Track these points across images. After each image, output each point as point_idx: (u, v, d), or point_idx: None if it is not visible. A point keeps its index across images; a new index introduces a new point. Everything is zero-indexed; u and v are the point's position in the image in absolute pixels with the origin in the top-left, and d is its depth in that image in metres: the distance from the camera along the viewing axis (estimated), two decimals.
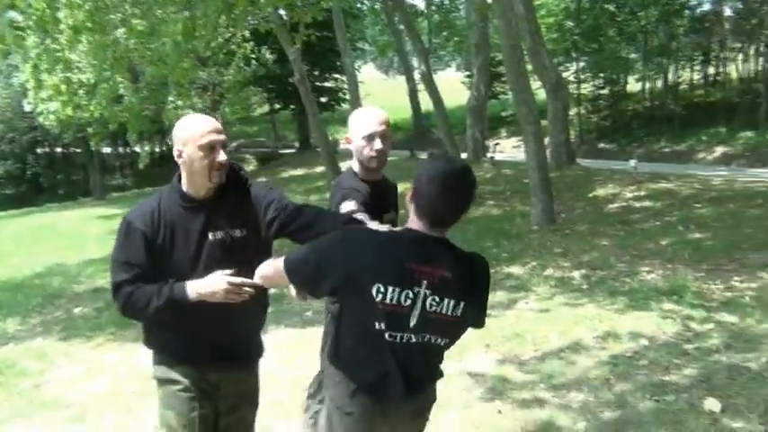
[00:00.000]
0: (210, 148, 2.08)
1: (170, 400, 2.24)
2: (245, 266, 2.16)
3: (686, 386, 3.76)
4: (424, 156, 23.74)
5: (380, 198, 2.55)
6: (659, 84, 26.10)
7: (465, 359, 4.30)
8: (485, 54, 19.46)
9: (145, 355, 5.09)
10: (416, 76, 33.26)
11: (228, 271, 2.10)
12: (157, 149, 38.38)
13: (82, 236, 14.61)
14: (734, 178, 12.59)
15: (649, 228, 8.77)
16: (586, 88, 28.03)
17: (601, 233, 8.79)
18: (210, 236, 2.17)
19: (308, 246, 1.97)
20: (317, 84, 30.29)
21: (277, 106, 32.47)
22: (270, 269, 2.02)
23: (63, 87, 15.69)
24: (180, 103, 16.94)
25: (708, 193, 10.60)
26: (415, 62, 34.15)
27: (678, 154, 19.97)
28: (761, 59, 21.97)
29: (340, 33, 23.74)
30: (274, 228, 2.23)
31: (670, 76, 24.80)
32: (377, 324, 1.80)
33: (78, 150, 33.14)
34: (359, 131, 2.49)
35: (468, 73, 33.93)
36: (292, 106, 32.72)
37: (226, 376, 2.29)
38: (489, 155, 19.47)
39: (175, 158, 2.13)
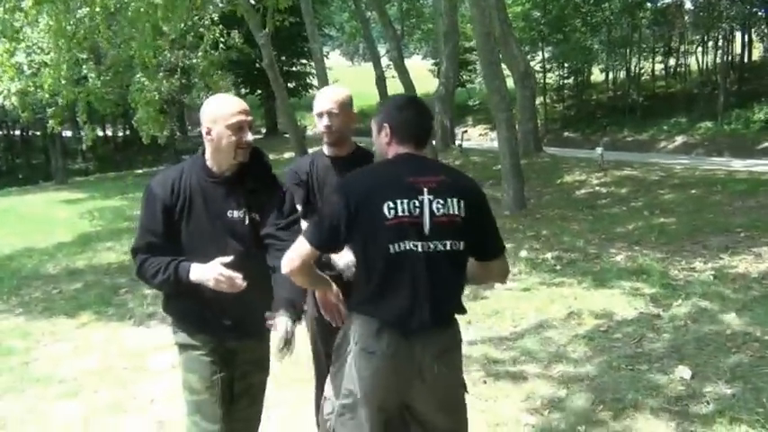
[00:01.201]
0: (239, 128, 2.20)
1: (192, 364, 2.36)
2: (255, 250, 2.30)
3: (658, 356, 4.01)
4: None
5: (347, 170, 2.55)
6: (622, 74, 26.65)
7: None
8: (453, 42, 19.60)
9: (133, 333, 5.22)
10: (384, 62, 33.36)
11: (227, 259, 2.18)
12: (121, 133, 37.73)
13: (48, 220, 14.35)
14: (695, 166, 13.04)
15: (616, 213, 9.09)
16: (551, 78, 28.49)
17: (570, 218, 9.09)
18: (229, 213, 2.28)
19: (319, 214, 2.15)
20: (285, 69, 30.10)
21: (244, 91, 32.12)
22: (292, 258, 2.06)
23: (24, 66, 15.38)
24: (147, 84, 16.71)
25: (671, 180, 11.00)
26: (381, 49, 34.18)
27: (640, 143, 20.51)
28: (719, 52, 22.62)
29: (308, 18, 23.61)
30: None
31: (632, 67, 25.33)
32: (392, 247, 1.96)
33: (38, 133, 32.37)
34: (314, 108, 2.67)
35: (435, 61, 34.11)
36: (259, 91, 32.49)
37: (242, 344, 2.41)
38: (457, 142, 19.70)
39: (204, 135, 2.24)
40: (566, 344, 4.34)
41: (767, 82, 21.31)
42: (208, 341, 2.36)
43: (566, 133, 24.70)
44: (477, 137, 27.35)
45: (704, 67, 23.61)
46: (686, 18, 24.79)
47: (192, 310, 2.35)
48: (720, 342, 4.12)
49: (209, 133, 2.23)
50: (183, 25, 16.26)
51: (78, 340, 5.22)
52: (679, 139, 19.76)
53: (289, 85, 29.79)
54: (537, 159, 15.27)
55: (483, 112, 29.19)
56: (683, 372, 3.72)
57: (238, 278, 2.17)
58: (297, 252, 2.05)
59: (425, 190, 2.00)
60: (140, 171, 28.71)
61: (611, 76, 27.16)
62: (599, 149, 13.59)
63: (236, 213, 2.29)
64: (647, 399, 3.45)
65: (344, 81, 36.25)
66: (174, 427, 3.57)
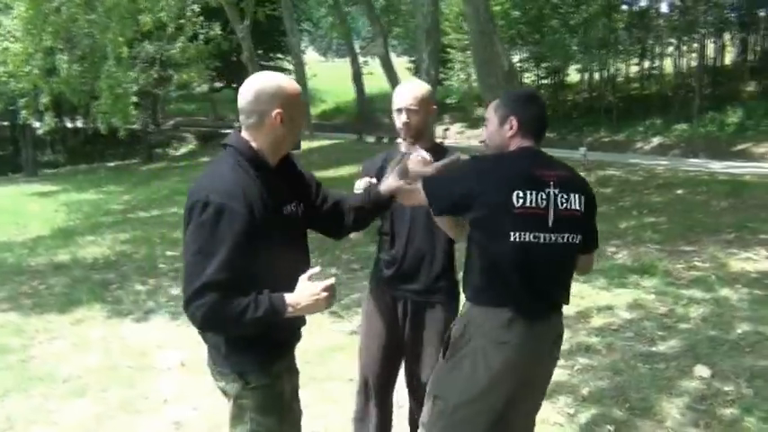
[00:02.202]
0: (303, 113, 2.09)
1: (271, 403, 2.01)
2: (304, 246, 2.11)
3: (674, 355, 4.03)
4: (371, 139, 23.81)
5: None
6: (597, 76, 26.98)
7: None
8: (435, 39, 19.58)
9: (133, 330, 5.08)
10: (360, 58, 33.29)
11: (314, 270, 1.89)
12: (92, 125, 36.96)
13: (21, 213, 13.98)
14: (675, 167, 13.25)
15: (605, 212, 9.15)
16: (529, 78, 28.71)
17: None
18: (284, 210, 1.98)
19: (445, 177, 2.16)
20: (263, 63, 29.82)
21: (219, 84, 31.75)
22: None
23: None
24: (118, 75, 16.39)
25: (655, 181, 11.14)
26: (356, 45, 34.12)
27: (617, 143, 20.79)
28: (694, 55, 23.03)
29: (287, 12, 23.45)
30: (316, 211, 2.16)
31: (609, 69, 25.66)
32: (513, 234, 1.99)
33: (5, 123, 31.55)
34: (394, 104, 2.59)
35: (413, 58, 34.11)
36: (234, 85, 32.11)
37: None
38: (438, 140, 19.70)
39: (270, 119, 1.90)
40: (579, 343, 4.34)
41: (739, 86, 21.75)
42: (284, 366, 2.06)
43: None
44: (454, 135, 27.43)
45: (679, 70, 23.99)
46: (661, 22, 25.19)
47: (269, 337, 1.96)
48: (733, 342, 4.16)
49: (280, 118, 1.91)
50: (163, 16, 15.99)
51: (75, 337, 5.06)
52: (655, 141, 20.07)
53: None
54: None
55: (460, 110, 29.33)
56: (702, 371, 3.75)
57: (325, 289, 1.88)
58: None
59: (551, 183, 2.04)
60: (112, 164, 28.22)
61: (587, 77, 27.46)
62: (582, 149, 13.71)
63: (290, 207, 2.00)
64: (672, 398, 3.46)
65: (320, 76, 36.14)
66: (191, 428, 3.48)
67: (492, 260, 2.06)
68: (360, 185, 2.43)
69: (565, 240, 2.06)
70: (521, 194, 1.99)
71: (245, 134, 1.95)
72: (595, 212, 2.18)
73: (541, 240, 2.02)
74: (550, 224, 2.03)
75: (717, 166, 13.99)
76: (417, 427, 2.78)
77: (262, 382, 1.95)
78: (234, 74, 29.14)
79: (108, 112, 16.12)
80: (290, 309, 1.83)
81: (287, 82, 1.96)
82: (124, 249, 8.46)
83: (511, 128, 2.14)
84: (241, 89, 1.93)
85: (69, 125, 33.63)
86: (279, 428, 2.02)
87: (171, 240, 8.80)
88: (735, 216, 7.92)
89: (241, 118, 1.94)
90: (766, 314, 4.57)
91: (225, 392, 2.02)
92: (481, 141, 2.28)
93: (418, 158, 2.38)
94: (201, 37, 18.84)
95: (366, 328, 2.80)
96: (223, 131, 32.59)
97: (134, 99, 17.41)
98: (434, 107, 2.64)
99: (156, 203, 13.74)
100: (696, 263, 6.04)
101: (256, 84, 1.92)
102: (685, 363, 3.91)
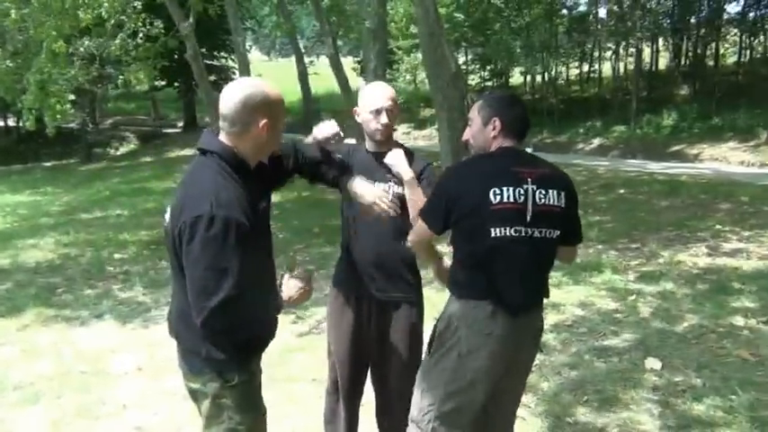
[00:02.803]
0: (284, 119, 2.05)
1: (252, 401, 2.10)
2: (270, 237, 2.15)
3: (626, 349, 4.19)
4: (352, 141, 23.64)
5: (386, 167, 2.58)
6: (540, 78, 27.59)
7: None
8: (382, 40, 19.67)
9: (84, 335, 4.94)
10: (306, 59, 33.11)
11: (297, 271, 2.10)
12: (20, 123, 35.48)
13: None
14: (615, 168, 13.69)
15: None
16: (474, 79, 29.11)
17: None
18: (260, 207, 2.00)
19: (431, 197, 2.30)
20: (206, 62, 29.28)
21: (161, 83, 30.95)
22: (415, 240, 2.38)
23: None
24: (51, 70, 15.81)
25: (598, 181, 11.51)
26: (300, 45, 33.88)
27: (559, 144, 21.28)
28: (631, 59, 23.81)
29: (231, 10, 23.06)
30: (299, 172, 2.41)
31: (551, 72, 26.27)
32: (494, 231, 2.09)
33: None
34: (367, 105, 2.56)
35: (358, 58, 34.10)
36: (177, 84, 31.43)
37: None
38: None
39: (261, 129, 1.91)
40: None
41: (673, 90, 22.61)
42: (257, 363, 2.20)
43: None
44: (400, 135, 27.58)
45: (617, 73, 24.77)
46: (599, 26, 25.96)
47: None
48: (680, 335, 4.35)
49: (267, 127, 1.92)
50: (103, 12, 15.50)
51: (23, 343, 4.89)
52: (595, 142, 20.63)
53: (210, 78, 28.99)
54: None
55: (406, 111, 29.49)
56: (654, 363, 3.91)
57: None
58: (419, 234, 2.31)
59: (529, 180, 2.12)
60: (49, 164, 27.20)
61: (529, 79, 28.04)
62: (529, 149, 13.96)
63: (263, 203, 2.02)
64: (627, 390, 3.60)
65: (264, 76, 35.72)
66: None
67: (474, 256, 2.16)
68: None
69: (543, 235, 2.15)
70: (497, 191, 2.09)
71: (225, 139, 1.94)
72: (577, 207, 2.28)
73: (522, 234, 2.11)
74: (528, 219, 2.12)
75: (654, 166, 14.51)
76: (384, 425, 2.82)
77: (241, 379, 1.97)
78: (175, 73, 28.49)
79: (35, 108, 15.49)
80: (285, 305, 2.03)
81: (272, 90, 1.96)
82: (68, 252, 8.19)
83: (494, 128, 2.23)
84: (224, 95, 1.92)
85: (1, 123, 32.29)
86: (255, 425, 2.06)
87: (118, 243, 8.58)
88: (674, 215, 8.27)
89: (223, 124, 1.93)
90: (709, 308, 4.79)
91: (197, 393, 2.01)
92: (464, 140, 2.36)
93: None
94: (141, 34, 18.35)
95: (333, 329, 2.79)
96: (165, 131, 31.97)
97: (71, 97, 16.81)
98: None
99: (99, 205, 13.34)
100: (641, 260, 6.28)
101: (243, 92, 1.90)
102: (637, 356, 4.07)
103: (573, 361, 4.05)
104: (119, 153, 28.96)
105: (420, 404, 2.24)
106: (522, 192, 2.11)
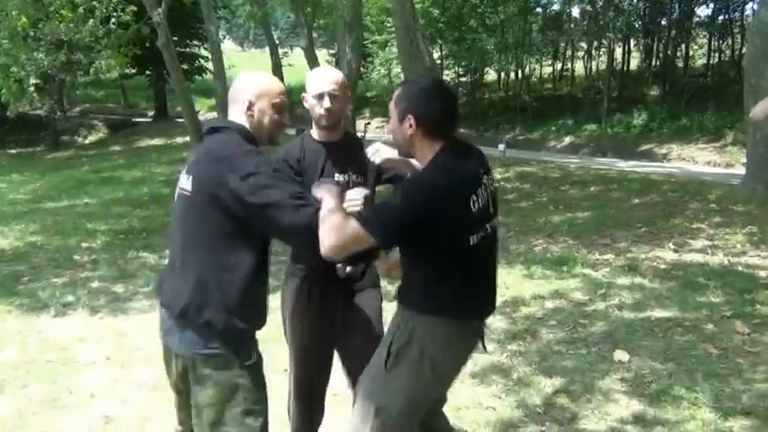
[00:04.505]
0: (281, 109, 2.13)
1: (262, 378, 2.13)
2: None
3: (594, 341, 4.25)
4: (292, 132, 23.51)
5: (338, 156, 2.54)
6: (513, 75, 27.79)
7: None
8: (357, 32, 19.60)
9: (51, 324, 4.86)
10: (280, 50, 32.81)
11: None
12: None
13: None
14: (587, 166, 13.86)
15: (524, 207, 9.51)
16: (448, 75, 29.20)
17: None
18: None
19: (383, 205, 2.01)
20: (178, 50, 28.87)
21: (131, 71, 30.44)
22: (344, 240, 1.86)
23: None
24: (13, 51, 15.42)
25: (570, 178, 11.63)
26: (275, 36, 33.57)
27: (531, 141, 21.51)
28: (603, 59, 24.13)
29: None
30: None
31: (524, 70, 26.48)
32: (472, 238, 1.98)
33: None
34: (311, 90, 2.50)
35: (333, 51, 33.95)
36: (148, 72, 30.94)
37: None
38: (360, 134, 19.73)
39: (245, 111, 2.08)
40: (506, 330, 4.50)
41: (644, 90, 22.97)
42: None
43: (461, 130, 25.42)
44: (374, 129, 27.53)
45: (589, 72, 25.06)
46: (573, 26, 26.24)
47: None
48: (648, 328, 4.43)
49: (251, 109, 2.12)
50: None
51: None
52: (567, 140, 20.88)
53: (182, 67, 28.57)
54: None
55: (380, 104, 29.47)
56: (622, 355, 3.98)
57: None
58: (352, 238, 1.86)
59: (481, 171, 2.05)
60: (14, 151, 26.62)
61: (503, 76, 28.22)
62: (501, 146, 14.11)
63: None
64: (596, 380, 3.66)
65: (237, 67, 35.32)
66: (121, 422, 3.38)
67: (446, 269, 2.00)
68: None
69: (496, 222, 2.12)
70: (474, 198, 1.96)
71: (236, 119, 2.08)
72: None
73: (488, 233, 2.04)
74: (491, 212, 2.06)
75: (624, 165, 14.73)
76: None
77: (253, 359, 1.99)
78: (146, 61, 28.03)
79: None
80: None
81: (272, 78, 2.17)
82: (34, 241, 8.04)
83: (410, 126, 2.00)
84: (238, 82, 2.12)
85: None
86: (266, 402, 2.07)
87: (86, 231, 8.44)
88: (644, 212, 8.40)
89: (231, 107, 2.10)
90: (675, 302, 4.88)
91: (202, 378, 1.94)
92: (388, 133, 2.17)
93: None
94: (114, 20, 18.01)
95: (294, 325, 2.65)
96: (135, 120, 31.47)
97: (34, 81, 16.43)
98: (349, 94, 2.59)
99: (66, 193, 13.11)
100: (611, 255, 6.37)
101: (247, 76, 2.12)
102: (605, 348, 4.13)
103: (543, 352, 4.10)
104: (87, 141, 28.45)
105: (372, 423, 2.06)
106: (484, 189, 2.01)
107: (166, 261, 2.16)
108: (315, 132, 2.60)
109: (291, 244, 2.33)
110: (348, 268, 2.39)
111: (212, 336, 1.90)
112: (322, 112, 2.47)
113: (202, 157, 1.98)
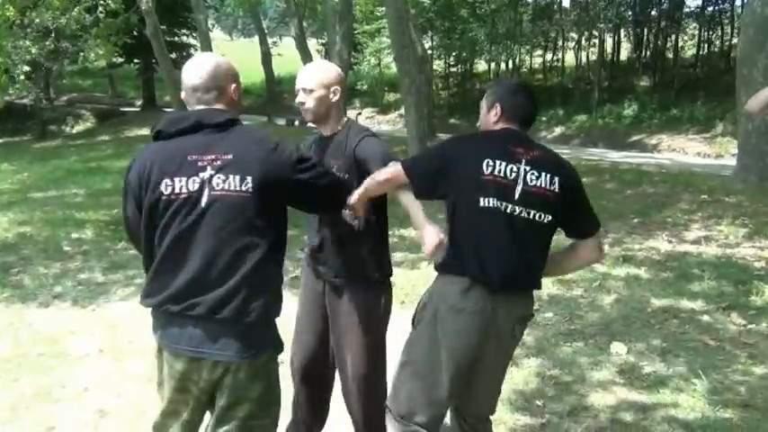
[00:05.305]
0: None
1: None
2: None
3: (591, 333, 4.25)
4: (282, 122, 23.42)
5: (325, 151, 2.50)
6: (504, 66, 27.75)
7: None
8: (348, 22, 19.51)
9: (42, 316, 4.79)
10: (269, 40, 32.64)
11: None
12: None
13: None
14: (578, 156, 13.84)
15: None
16: (438, 65, 29.11)
17: None
18: None
19: (424, 152, 2.31)
20: (167, 39, 28.58)
21: (120, 60, 30.12)
22: (383, 175, 2.27)
23: None
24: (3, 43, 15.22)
25: None
26: (264, 25, 33.36)
27: None
28: (593, 49, 24.13)
29: None
30: None
31: (515, 60, 26.45)
32: (482, 200, 2.11)
33: None
34: (297, 83, 2.47)
35: (323, 41, 33.76)
36: (136, 61, 30.62)
37: None
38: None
39: (233, 92, 2.04)
40: None
41: (634, 80, 23.01)
42: None
43: (452, 120, 25.37)
44: (364, 120, 27.44)
45: (580, 63, 25.06)
46: (563, 16, 26.20)
47: None
48: (644, 320, 4.43)
49: (237, 90, 2.08)
50: None
51: None
52: (557, 130, 20.89)
53: (171, 56, 28.31)
54: (432, 144, 15.60)
55: (370, 95, 29.38)
56: (619, 347, 3.97)
57: None
58: (393, 180, 2.26)
59: (524, 159, 2.14)
60: (1, 141, 26.28)
61: (494, 66, 28.16)
62: None
63: None
64: (593, 372, 3.65)
65: (227, 56, 35.03)
66: (116, 416, 3.33)
67: (461, 228, 2.16)
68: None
69: (530, 217, 2.12)
70: (490, 162, 2.13)
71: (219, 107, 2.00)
72: (579, 194, 2.24)
73: (507, 210, 2.11)
74: (517, 197, 2.12)
75: (615, 155, 14.75)
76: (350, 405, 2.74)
77: (279, 351, 2.04)
78: (135, 50, 27.75)
79: None
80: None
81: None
82: (23, 231, 7.92)
83: (496, 114, 2.28)
84: (192, 69, 1.99)
85: None
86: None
87: (75, 222, 8.33)
88: (637, 203, 8.41)
89: (198, 96, 1.98)
90: (671, 293, 4.89)
91: (253, 377, 1.91)
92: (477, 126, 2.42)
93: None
94: (100, 8, 17.79)
95: (298, 312, 2.75)
96: (123, 110, 31.16)
97: (25, 69, 16.24)
98: (338, 90, 2.45)
99: (54, 183, 12.95)
100: (605, 246, 6.34)
101: (210, 61, 2.01)
102: (602, 340, 4.13)
103: (540, 345, 4.09)
104: (74, 131, 28.14)
105: (398, 375, 2.26)
106: (514, 169, 2.13)
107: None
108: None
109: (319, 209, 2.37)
110: (356, 220, 2.40)
111: (259, 330, 1.92)
112: (300, 106, 2.47)
113: (243, 153, 1.90)
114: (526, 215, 2.12)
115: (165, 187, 1.85)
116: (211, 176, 1.84)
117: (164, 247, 1.87)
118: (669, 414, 3.17)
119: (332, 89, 2.44)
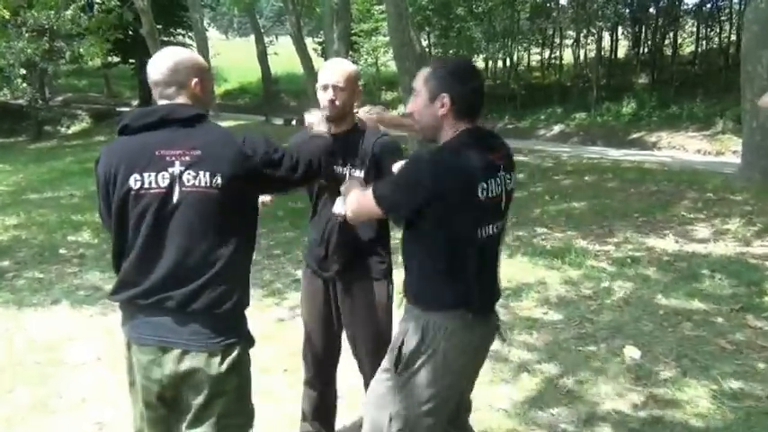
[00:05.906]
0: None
1: None
2: None
3: (604, 337, 4.14)
4: (279, 121, 23.24)
5: (340, 149, 2.47)
6: (501, 64, 27.63)
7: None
8: (345, 21, 19.39)
9: (38, 322, 4.67)
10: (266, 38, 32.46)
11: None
12: None
13: None
14: (579, 154, 13.77)
15: (519, 197, 9.34)
16: None
17: None
18: None
19: (392, 176, 2.09)
20: (163, 39, 28.41)
21: (115, 59, 29.96)
22: (357, 197, 2.08)
23: None
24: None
25: (563, 168, 11.52)
26: (261, 24, 33.17)
27: (520, 130, 21.34)
28: (591, 46, 24.03)
29: None
30: None
31: (513, 58, 26.32)
32: (479, 231, 1.90)
33: None
34: (319, 80, 2.50)
35: (320, 39, 33.61)
36: (132, 60, 30.44)
37: None
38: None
39: (194, 87, 2.00)
40: (511, 326, 4.36)
41: (632, 78, 22.91)
42: None
43: None
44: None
45: (578, 61, 24.95)
46: (561, 13, 26.08)
47: None
48: (657, 322, 4.32)
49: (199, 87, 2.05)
50: None
51: None
52: (556, 128, 20.76)
53: None
54: (432, 143, 15.47)
55: (368, 94, 29.23)
56: (633, 352, 3.86)
57: None
58: (366, 209, 2.02)
59: (501, 166, 1.95)
60: None
61: (491, 64, 28.03)
62: None
63: None
64: (609, 379, 3.54)
65: (222, 55, 34.90)
66: (115, 429, 3.21)
67: (455, 260, 1.91)
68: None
69: (505, 223, 2.04)
70: (485, 186, 1.87)
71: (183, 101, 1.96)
72: None
73: (497, 229, 1.97)
74: (503, 208, 1.98)
75: (615, 153, 14.64)
76: None
77: (250, 346, 2.02)
78: (131, 49, 27.59)
79: None
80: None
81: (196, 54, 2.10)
82: (18, 234, 7.80)
83: (443, 106, 1.92)
84: (155, 64, 1.96)
85: None
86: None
87: (71, 224, 8.20)
88: (641, 201, 8.31)
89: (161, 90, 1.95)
90: (681, 294, 4.78)
91: (230, 372, 1.89)
92: (405, 115, 2.17)
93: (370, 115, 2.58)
94: (96, 7, 17.66)
95: (304, 313, 2.78)
96: (119, 110, 30.95)
97: (23, 72, 16.17)
98: (360, 89, 2.55)
99: (50, 185, 12.80)
100: (611, 246, 6.26)
101: (172, 57, 1.97)
102: (614, 344, 4.01)
103: (551, 350, 3.97)
104: (70, 131, 27.97)
105: (389, 428, 1.99)
106: (499, 182, 1.92)
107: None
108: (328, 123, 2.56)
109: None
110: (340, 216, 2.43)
111: (231, 321, 1.92)
112: (325, 102, 2.46)
113: (212, 149, 1.87)
114: (504, 224, 2.03)
115: (134, 182, 1.83)
116: (181, 173, 1.83)
117: (138, 243, 1.86)
118: (688, 422, 3.06)
119: (357, 88, 2.52)
